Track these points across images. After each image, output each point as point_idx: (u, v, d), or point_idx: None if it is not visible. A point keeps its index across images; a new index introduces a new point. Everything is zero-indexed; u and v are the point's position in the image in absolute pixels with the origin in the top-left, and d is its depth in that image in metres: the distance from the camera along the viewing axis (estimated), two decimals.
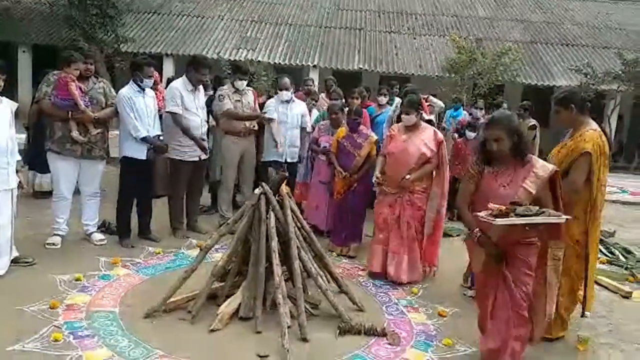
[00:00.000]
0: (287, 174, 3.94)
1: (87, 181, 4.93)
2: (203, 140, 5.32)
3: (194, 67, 5.20)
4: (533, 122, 7.44)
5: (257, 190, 3.83)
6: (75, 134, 4.64)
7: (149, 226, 5.25)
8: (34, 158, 6.02)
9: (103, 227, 5.31)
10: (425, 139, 4.55)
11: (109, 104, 4.85)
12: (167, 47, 14.35)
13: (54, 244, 4.79)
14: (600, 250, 5.97)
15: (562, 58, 15.20)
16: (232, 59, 13.28)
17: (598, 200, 3.58)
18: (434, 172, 4.65)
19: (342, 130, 5.42)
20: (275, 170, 3.99)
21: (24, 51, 14.24)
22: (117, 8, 13.66)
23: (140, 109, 4.82)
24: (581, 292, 3.71)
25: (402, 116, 4.63)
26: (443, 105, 7.67)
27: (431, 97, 7.16)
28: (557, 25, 16.99)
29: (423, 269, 4.71)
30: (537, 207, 2.88)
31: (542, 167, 3.05)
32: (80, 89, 4.64)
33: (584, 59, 14.35)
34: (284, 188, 3.91)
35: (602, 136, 3.55)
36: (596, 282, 4.96)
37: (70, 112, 4.60)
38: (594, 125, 3.61)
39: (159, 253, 4.90)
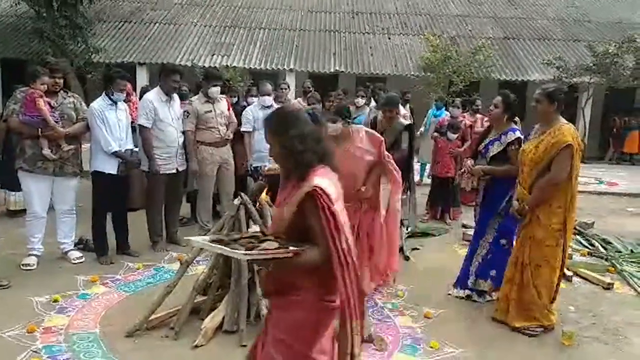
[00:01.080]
0: (264, 183, 3.87)
1: (60, 198, 4.80)
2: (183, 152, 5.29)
3: (164, 75, 5.14)
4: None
5: (235, 201, 3.77)
6: (46, 151, 4.52)
7: (127, 241, 5.15)
8: (5, 176, 5.86)
9: (80, 245, 5.19)
10: (362, 145, 4.08)
11: (79, 118, 4.74)
12: (140, 56, 14.14)
13: (29, 265, 4.66)
14: (580, 242, 6.07)
15: (535, 52, 15.41)
16: (206, 65, 13.14)
17: (575, 192, 3.70)
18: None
19: None
20: (253, 179, 3.92)
21: None
22: (87, 18, 13.43)
23: (112, 123, 4.73)
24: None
25: (328, 124, 3.97)
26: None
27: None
28: (529, 20, 17.23)
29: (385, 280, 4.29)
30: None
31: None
32: (49, 104, 4.52)
33: (556, 53, 14.56)
34: (264, 196, 3.86)
35: (576, 130, 3.72)
36: (577, 274, 5.04)
37: (39, 129, 4.48)
38: (564, 120, 3.73)
39: (138, 268, 4.81)
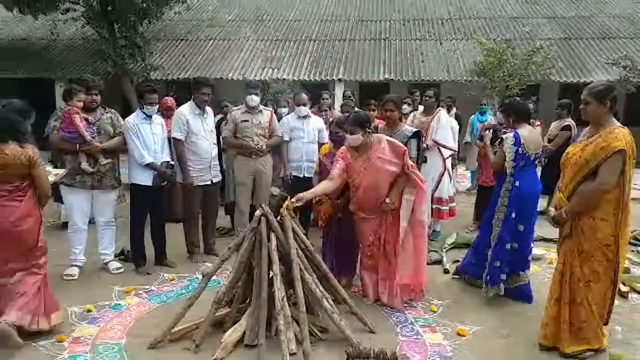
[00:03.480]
0: (286, 194, 3.80)
1: (100, 211, 4.97)
2: (215, 165, 5.35)
3: (195, 89, 5.22)
4: (568, 122, 7.03)
5: (257, 212, 3.73)
6: (84, 165, 4.70)
7: (164, 252, 5.25)
8: (57, 190, 6.14)
9: (122, 255, 5.34)
10: (384, 155, 4.05)
11: (117, 133, 4.90)
12: (195, 72, 14.59)
13: (71, 275, 4.84)
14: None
15: (599, 52, 14.50)
16: (257, 78, 13.36)
17: (629, 202, 3.32)
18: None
19: (326, 147, 4.88)
20: (275, 190, 3.86)
21: (61, 86, 14.77)
22: (145, 38, 14.04)
23: (146, 136, 4.85)
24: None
25: (347, 136, 4.07)
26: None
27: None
28: (591, 18, 16.28)
29: (413, 296, 4.31)
30: None
31: None
32: (86, 120, 4.71)
33: (622, 52, 13.63)
34: (286, 207, 3.78)
35: (630, 134, 3.31)
36: (634, 290, 4.61)
37: (77, 145, 4.67)
38: (618, 123, 3.37)
39: (173, 279, 4.88)
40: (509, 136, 4.31)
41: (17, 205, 3.54)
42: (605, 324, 3.46)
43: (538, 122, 7.47)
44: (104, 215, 5.00)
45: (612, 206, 3.29)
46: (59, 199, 6.36)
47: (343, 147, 4.23)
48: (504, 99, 11.25)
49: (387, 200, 4.07)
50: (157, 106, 5.08)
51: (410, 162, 4.09)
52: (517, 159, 4.23)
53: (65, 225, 6.43)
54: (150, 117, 4.92)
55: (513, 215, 4.24)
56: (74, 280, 4.81)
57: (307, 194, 3.88)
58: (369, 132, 4.04)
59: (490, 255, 4.32)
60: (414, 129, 4.75)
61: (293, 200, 3.76)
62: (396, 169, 4.06)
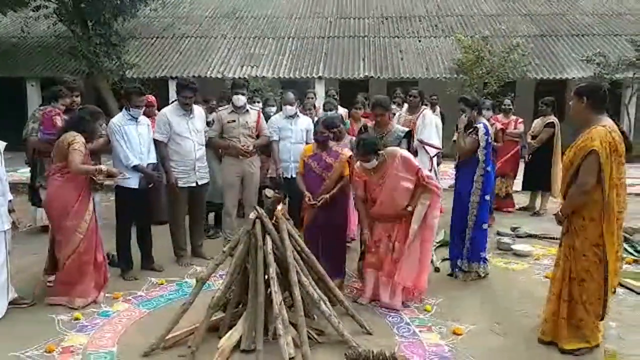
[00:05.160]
0: (280, 195, 3.75)
1: None
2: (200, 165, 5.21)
3: (177, 91, 5.14)
4: (552, 119, 7.13)
5: (251, 215, 3.66)
6: None
7: (150, 255, 5.13)
8: (34, 194, 5.96)
9: (107, 260, 5.19)
10: (398, 172, 4.13)
11: (99, 134, 4.76)
12: (172, 70, 14.37)
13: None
14: (626, 249, 5.66)
15: (573, 49, 14.79)
16: (236, 76, 13.22)
17: (612, 202, 3.32)
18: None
19: (309, 148, 4.76)
20: (269, 192, 3.80)
21: (32, 85, 14.40)
22: (120, 35, 13.74)
23: (132, 138, 4.73)
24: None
25: (362, 163, 4.18)
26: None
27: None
28: (566, 16, 16.60)
29: (412, 297, 4.34)
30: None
31: None
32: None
33: (595, 49, 13.94)
34: (280, 210, 3.73)
35: (612, 132, 3.29)
36: (621, 285, 4.68)
37: None
38: (605, 121, 3.35)
39: (162, 284, 4.77)
40: (480, 126, 4.75)
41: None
42: (601, 319, 3.50)
43: (521, 120, 7.56)
44: None
45: (598, 206, 3.31)
46: (36, 203, 6.18)
47: (357, 167, 4.30)
48: (484, 96, 11.39)
49: (409, 208, 4.19)
50: (144, 108, 4.95)
51: (425, 174, 4.20)
52: (488, 147, 4.73)
53: (44, 229, 6.27)
54: (136, 118, 4.79)
55: (487, 197, 4.78)
56: None
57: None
58: (381, 153, 4.13)
59: (470, 236, 4.76)
60: (406, 129, 4.78)
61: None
62: (410, 185, 4.17)
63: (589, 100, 3.36)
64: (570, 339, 3.47)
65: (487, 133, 4.72)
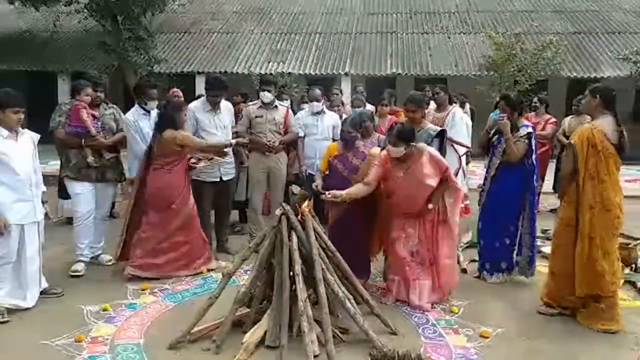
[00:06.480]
0: (307, 193, 3.73)
1: (100, 204, 4.97)
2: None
3: (205, 89, 5.22)
4: (587, 119, 6.94)
5: (277, 211, 3.65)
6: (90, 159, 4.71)
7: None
8: (61, 186, 6.07)
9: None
10: (425, 170, 4.03)
11: (119, 128, 4.93)
12: (199, 66, 14.49)
13: (77, 271, 4.75)
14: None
15: (609, 48, 14.36)
16: (262, 72, 13.25)
17: (587, 186, 3.72)
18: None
19: (334, 146, 4.59)
20: (296, 188, 3.79)
21: (63, 79, 14.68)
22: (149, 30, 13.91)
23: (145, 132, 4.86)
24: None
25: (389, 147, 4.05)
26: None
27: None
28: (602, 13, 16.12)
29: (446, 298, 4.30)
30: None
31: None
32: (92, 115, 4.75)
33: (632, 47, 13.51)
34: (306, 206, 3.70)
35: (594, 130, 3.70)
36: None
37: (83, 140, 4.68)
38: (602, 119, 3.75)
39: (187, 277, 4.80)
40: (529, 130, 4.54)
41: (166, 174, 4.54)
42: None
43: (553, 120, 7.38)
44: (102, 208, 5.02)
45: (575, 192, 3.78)
46: (61, 195, 6.31)
47: (384, 153, 4.15)
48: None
49: (430, 206, 4.11)
50: (157, 101, 5.06)
51: (452, 176, 4.17)
52: (536, 150, 4.65)
53: (69, 221, 6.38)
54: (149, 112, 4.91)
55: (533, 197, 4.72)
56: (86, 277, 4.73)
57: (343, 194, 3.98)
58: (412, 145, 4.03)
59: (529, 241, 4.65)
60: (438, 129, 4.64)
61: (329, 195, 3.95)
62: (434, 183, 4.10)
63: (600, 99, 3.78)
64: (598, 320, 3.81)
65: (535, 137, 4.61)
